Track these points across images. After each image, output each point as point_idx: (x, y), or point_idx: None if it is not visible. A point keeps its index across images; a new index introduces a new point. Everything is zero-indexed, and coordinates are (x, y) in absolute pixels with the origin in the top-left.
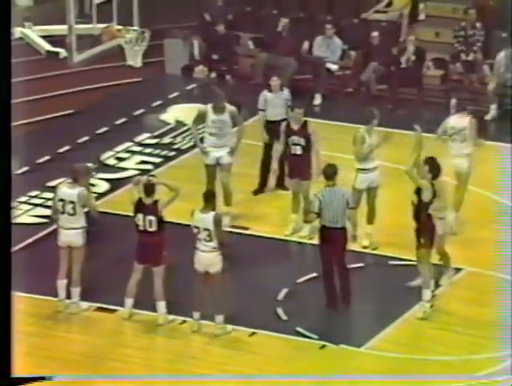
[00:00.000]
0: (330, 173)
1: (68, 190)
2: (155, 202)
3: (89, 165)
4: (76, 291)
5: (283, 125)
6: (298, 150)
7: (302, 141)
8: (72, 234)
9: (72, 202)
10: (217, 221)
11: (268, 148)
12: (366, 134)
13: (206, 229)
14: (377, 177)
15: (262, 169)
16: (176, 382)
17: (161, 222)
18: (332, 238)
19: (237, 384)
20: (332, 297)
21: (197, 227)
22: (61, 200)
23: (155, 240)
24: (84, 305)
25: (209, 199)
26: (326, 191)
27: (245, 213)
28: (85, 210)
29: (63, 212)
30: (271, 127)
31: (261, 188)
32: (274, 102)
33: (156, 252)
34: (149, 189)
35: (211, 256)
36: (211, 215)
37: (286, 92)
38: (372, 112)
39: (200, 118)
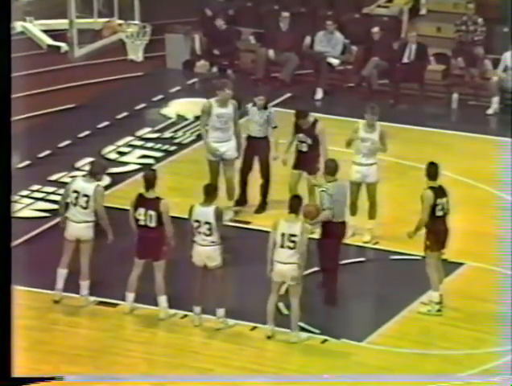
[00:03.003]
0: (333, 168)
1: (84, 183)
2: (157, 198)
3: (105, 163)
4: (85, 284)
5: (293, 120)
6: (304, 148)
7: (308, 140)
8: (82, 227)
9: (86, 195)
10: (219, 214)
11: (245, 162)
12: (362, 128)
13: (207, 223)
14: (373, 173)
15: (241, 183)
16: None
17: (161, 217)
18: (337, 232)
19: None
20: (334, 293)
21: (198, 221)
22: (75, 192)
23: (156, 234)
24: (91, 299)
25: (210, 192)
26: (333, 186)
27: (247, 207)
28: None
29: (75, 204)
30: (251, 142)
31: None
32: (256, 118)
33: (156, 246)
34: (150, 181)
35: (209, 250)
36: (212, 208)
37: (270, 111)
38: (373, 108)
39: (206, 113)
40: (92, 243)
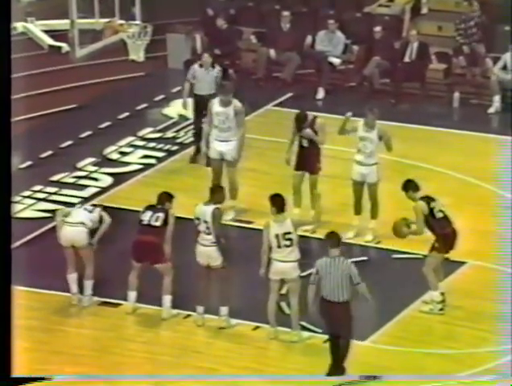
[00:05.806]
0: (333, 241)
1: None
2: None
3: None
4: (89, 284)
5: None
6: (305, 143)
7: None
8: (76, 231)
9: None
10: (216, 215)
11: (197, 118)
12: (362, 127)
13: (205, 221)
14: (374, 173)
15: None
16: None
17: (167, 219)
18: (331, 312)
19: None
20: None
21: (198, 219)
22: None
23: (154, 236)
24: (93, 298)
25: (215, 192)
26: (326, 262)
27: (250, 207)
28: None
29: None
30: (198, 100)
31: (195, 156)
32: (203, 77)
33: (154, 249)
34: (161, 200)
35: (210, 250)
36: (211, 207)
37: (216, 70)
38: (372, 110)
39: (209, 112)
40: (91, 248)
